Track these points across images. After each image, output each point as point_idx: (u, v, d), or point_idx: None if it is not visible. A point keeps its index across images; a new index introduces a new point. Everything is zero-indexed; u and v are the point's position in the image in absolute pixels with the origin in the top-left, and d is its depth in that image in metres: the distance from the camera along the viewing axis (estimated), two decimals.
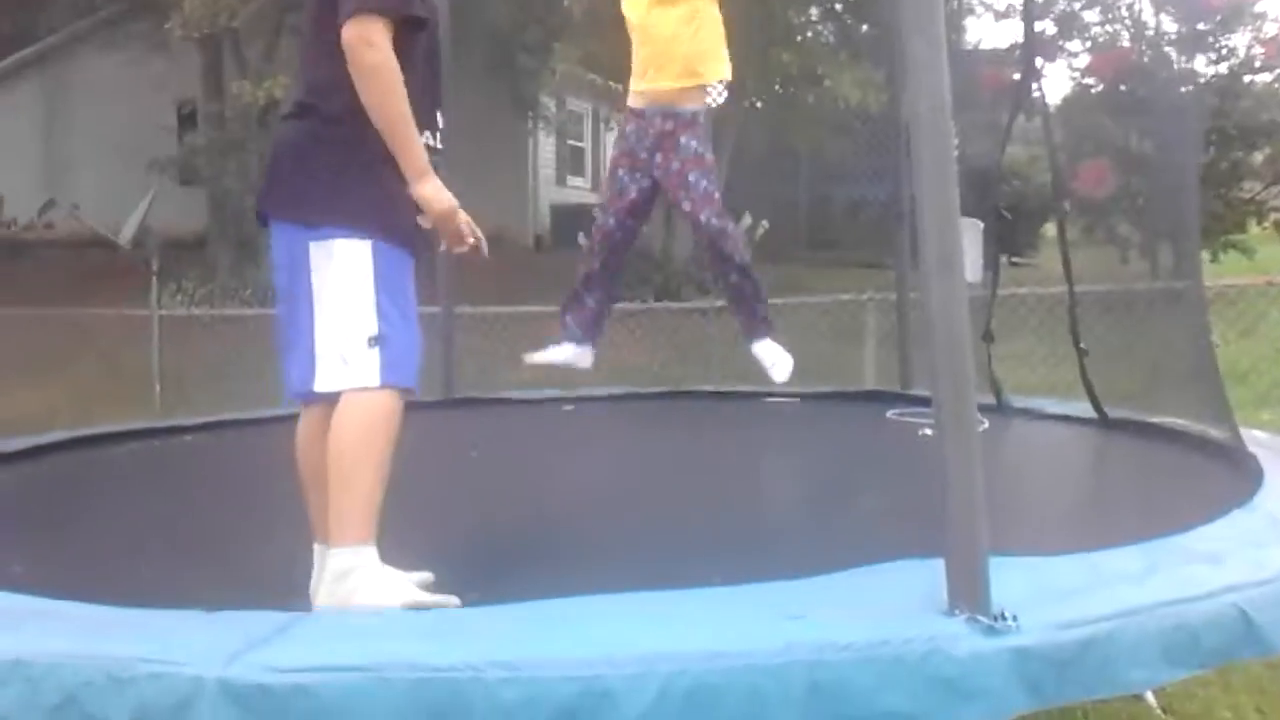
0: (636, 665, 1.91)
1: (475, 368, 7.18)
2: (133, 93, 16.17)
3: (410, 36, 2.50)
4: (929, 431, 4.30)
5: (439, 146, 2.64)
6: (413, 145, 2.46)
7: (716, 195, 4.46)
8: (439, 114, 2.67)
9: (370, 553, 2.39)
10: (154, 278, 9.51)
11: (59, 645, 2.04)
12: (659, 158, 4.43)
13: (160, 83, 15.75)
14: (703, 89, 4.47)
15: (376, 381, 2.43)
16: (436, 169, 2.57)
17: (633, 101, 4.52)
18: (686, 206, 4.39)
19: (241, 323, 9.68)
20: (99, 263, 12.85)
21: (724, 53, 4.51)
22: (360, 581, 2.36)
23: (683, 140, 4.40)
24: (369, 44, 2.39)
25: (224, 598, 2.25)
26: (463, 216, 2.62)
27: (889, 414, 5.17)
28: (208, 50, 14.50)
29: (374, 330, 2.43)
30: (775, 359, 4.55)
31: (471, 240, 2.67)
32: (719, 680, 1.91)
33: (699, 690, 1.90)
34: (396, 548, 2.50)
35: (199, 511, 3.76)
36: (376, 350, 2.43)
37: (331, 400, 2.47)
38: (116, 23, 15.68)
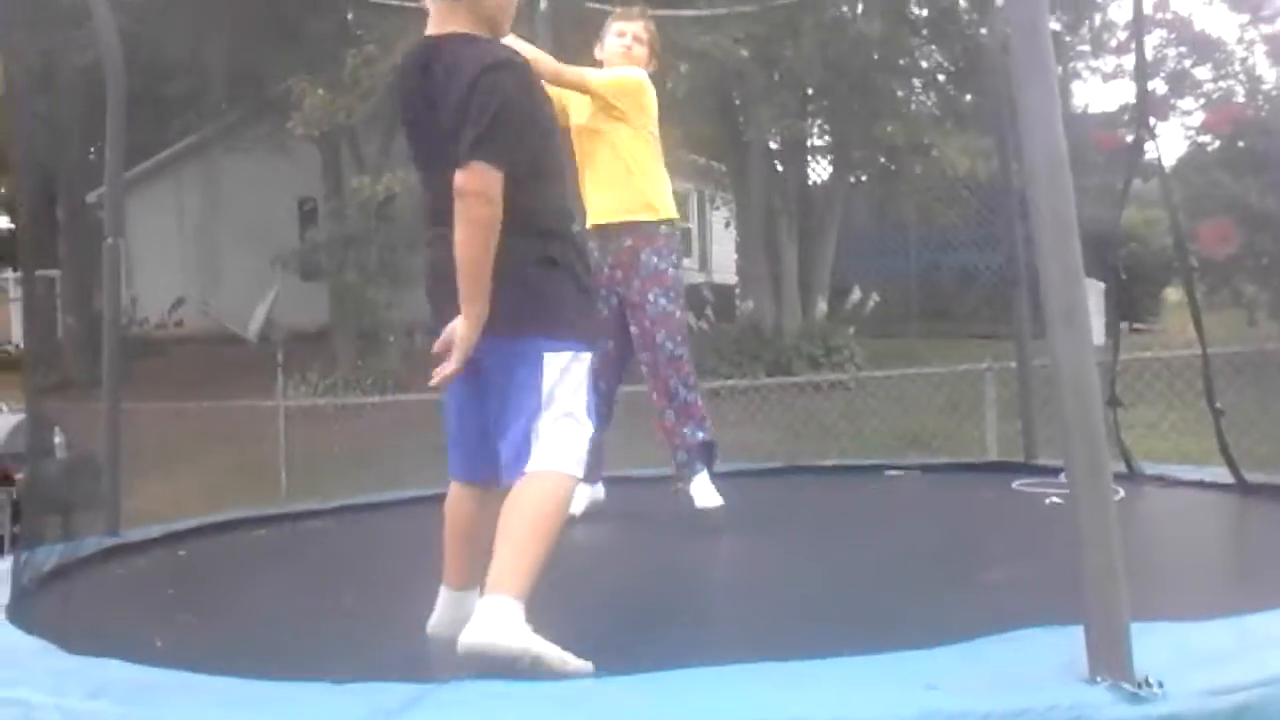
0: None
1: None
2: (257, 191, 16.88)
3: (543, 149, 2.69)
4: (1057, 499, 4.21)
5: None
6: (482, 294, 2.55)
7: (677, 315, 4.28)
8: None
9: (521, 608, 2.47)
10: (279, 370, 9.81)
11: (199, 716, 2.09)
12: (620, 274, 4.26)
13: (283, 181, 16.43)
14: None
15: (580, 472, 2.65)
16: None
17: (593, 217, 4.33)
18: (645, 324, 4.19)
19: (362, 411, 9.93)
20: (227, 357, 13.32)
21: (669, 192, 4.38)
22: (507, 627, 2.42)
23: (643, 256, 4.23)
24: (481, 197, 2.50)
25: (352, 672, 2.28)
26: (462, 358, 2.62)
27: (1014, 484, 5.02)
28: (327, 148, 15.06)
29: (591, 430, 2.69)
30: (707, 497, 4.22)
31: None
32: None
33: None
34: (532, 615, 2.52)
35: (326, 591, 3.82)
36: (586, 449, 2.67)
37: (500, 480, 2.66)
38: (240, 127, 16.40)
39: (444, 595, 2.85)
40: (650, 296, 4.19)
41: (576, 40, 9.78)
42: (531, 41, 6.28)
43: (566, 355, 2.64)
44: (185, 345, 15.67)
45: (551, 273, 2.65)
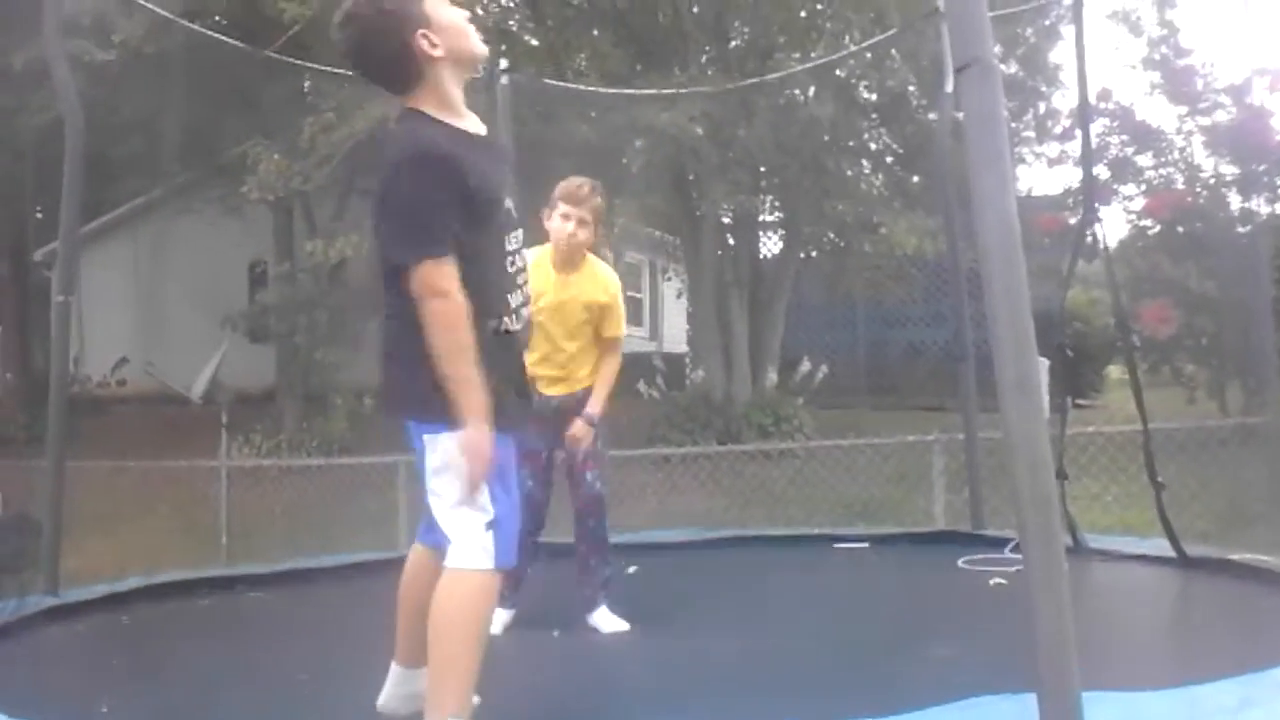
0: None
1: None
2: (208, 253, 16.77)
3: (471, 238, 2.58)
4: (1001, 581, 4.25)
5: (515, 328, 2.73)
6: (470, 382, 2.50)
7: (606, 456, 4.36)
8: (512, 295, 2.75)
9: None
10: (223, 430, 9.69)
11: None
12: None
13: (234, 243, 16.33)
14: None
15: (489, 565, 2.56)
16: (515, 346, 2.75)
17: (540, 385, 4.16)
18: (579, 458, 4.18)
19: (307, 473, 9.81)
20: (171, 418, 13.15)
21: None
22: None
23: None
24: (432, 294, 2.49)
25: None
26: (487, 456, 2.56)
27: (960, 562, 5.04)
28: (279, 212, 15.02)
29: (490, 516, 2.56)
30: (613, 625, 4.11)
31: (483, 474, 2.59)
32: None
33: None
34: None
35: (268, 660, 3.76)
36: (490, 534, 2.56)
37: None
38: (193, 188, 16.33)
39: (394, 671, 2.84)
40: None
41: (534, 114, 9.94)
42: (491, 112, 6.37)
43: (440, 437, 2.55)
44: (127, 404, 15.44)
45: (416, 357, 2.53)
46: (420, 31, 2.57)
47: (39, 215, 17.55)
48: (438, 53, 2.59)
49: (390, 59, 2.59)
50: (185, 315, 16.27)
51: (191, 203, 15.97)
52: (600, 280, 4.26)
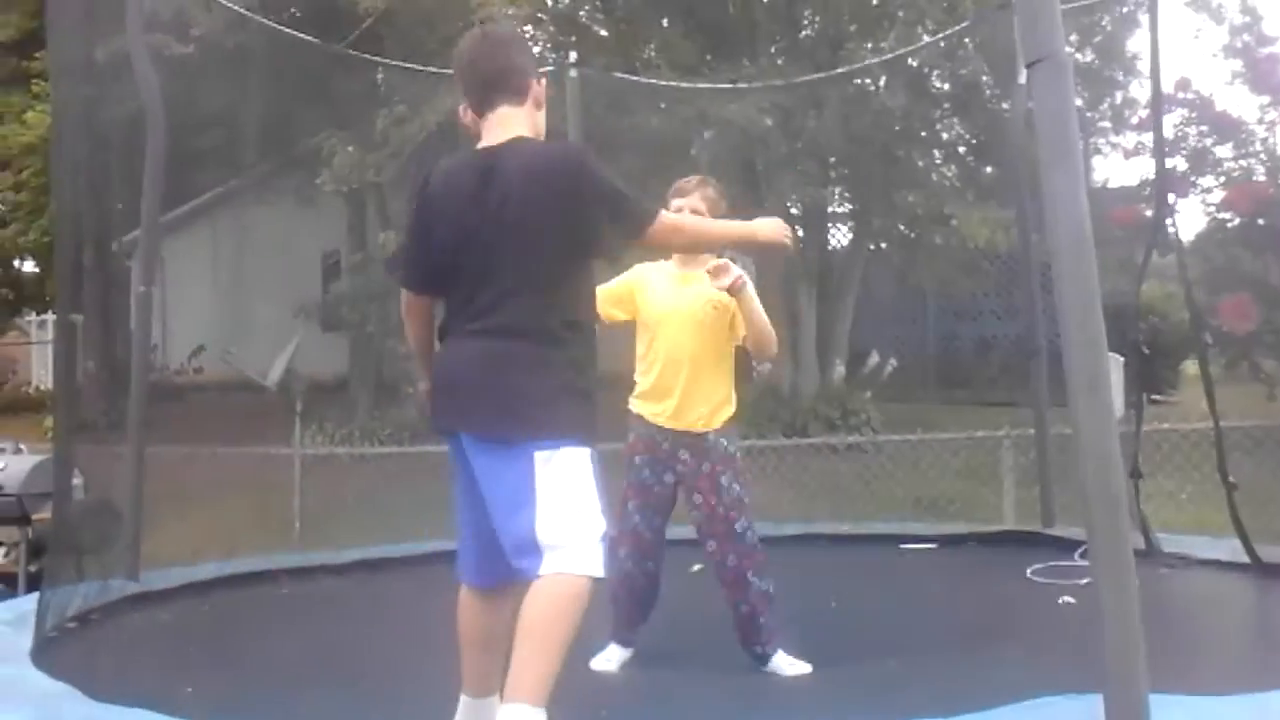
0: None
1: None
2: (282, 243, 17.03)
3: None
4: (1070, 600, 4.19)
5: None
6: (726, 229, 3.27)
7: (747, 500, 3.82)
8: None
9: (542, 715, 2.47)
10: (297, 418, 9.86)
11: None
12: (685, 455, 3.81)
13: (308, 234, 16.58)
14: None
15: (600, 573, 2.57)
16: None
17: (642, 425, 3.88)
18: (716, 509, 3.73)
19: (379, 461, 9.96)
20: (246, 405, 13.38)
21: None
22: None
23: (722, 480, 3.78)
24: (677, 230, 3.01)
25: None
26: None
27: (1029, 572, 4.94)
28: (353, 204, 15.23)
29: (605, 527, 2.61)
30: (795, 669, 3.61)
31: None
32: None
33: None
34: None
35: (343, 650, 3.84)
36: (603, 546, 2.60)
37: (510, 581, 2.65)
38: (269, 180, 16.59)
39: (464, 702, 2.85)
40: (723, 480, 3.78)
41: (603, 107, 9.96)
42: (561, 108, 6.40)
43: (559, 453, 2.58)
44: (204, 392, 15.74)
45: (545, 373, 2.63)
46: (541, 81, 2.89)
47: (120, 206, 17.95)
48: (542, 104, 2.89)
49: (519, 71, 2.84)
50: (260, 304, 16.55)
51: (267, 194, 16.23)
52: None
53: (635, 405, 3.89)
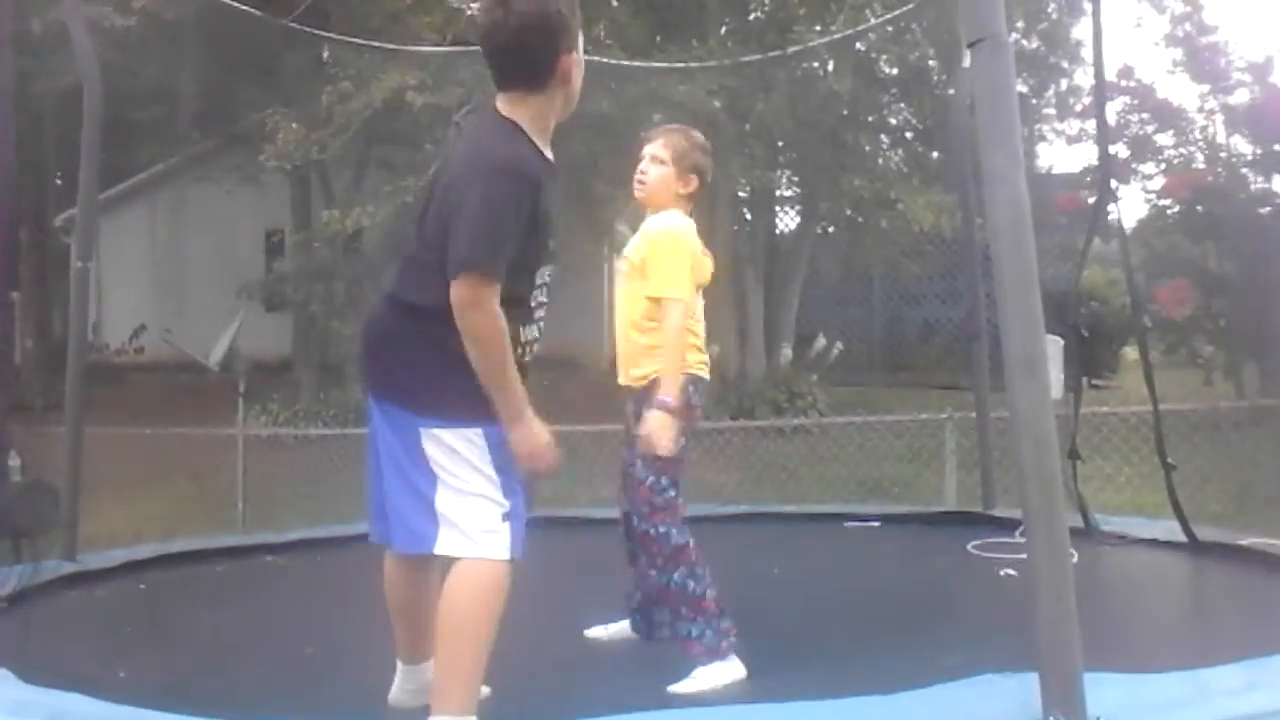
0: None
1: (547, 486, 7.21)
2: (224, 222, 16.82)
3: (514, 266, 2.55)
4: (1012, 572, 4.25)
5: (524, 359, 2.68)
6: (511, 393, 2.53)
7: (672, 498, 3.42)
8: (526, 328, 2.71)
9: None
10: (240, 399, 9.73)
11: None
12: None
13: (251, 212, 16.37)
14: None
15: (506, 556, 2.54)
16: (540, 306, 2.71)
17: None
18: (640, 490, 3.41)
19: (324, 442, 9.86)
20: (188, 385, 13.21)
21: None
22: None
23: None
24: (475, 307, 2.46)
25: (306, 712, 2.27)
26: (547, 448, 2.61)
27: (970, 546, 5.03)
28: (296, 181, 15.05)
29: (506, 507, 2.56)
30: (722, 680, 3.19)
31: (550, 465, 2.64)
32: None
33: None
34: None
35: (283, 629, 3.81)
36: (507, 525, 2.55)
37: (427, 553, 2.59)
38: (211, 156, 16.35)
39: (400, 669, 2.88)
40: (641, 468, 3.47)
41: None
42: None
43: (459, 432, 2.56)
44: (145, 372, 15.52)
45: (444, 353, 2.53)
46: (571, 51, 2.63)
47: (58, 181, 17.59)
48: (572, 78, 2.67)
49: (537, 58, 2.61)
50: (202, 284, 16.34)
51: (209, 171, 15.98)
52: (648, 230, 3.59)
53: (697, 367, 3.58)
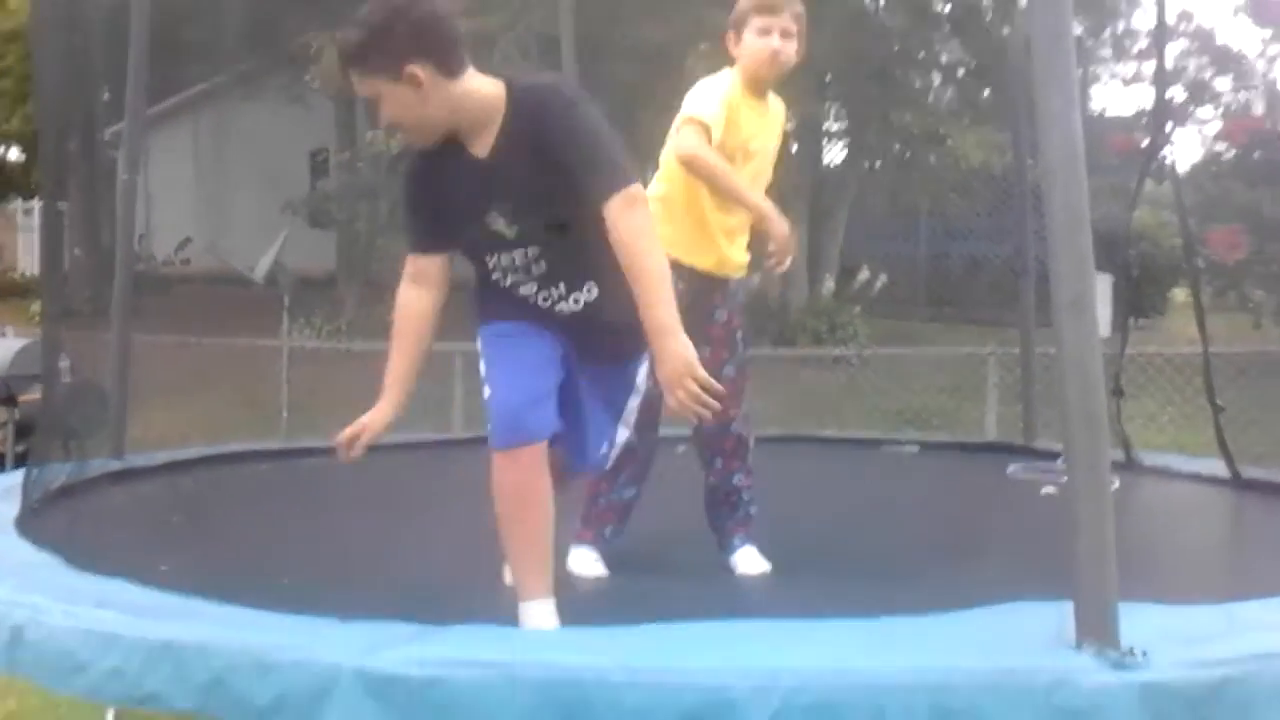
0: (759, 678, 1.92)
1: None
2: (270, 140, 16.87)
3: None
4: (1051, 490, 4.25)
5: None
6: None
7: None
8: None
9: (546, 602, 2.53)
10: (285, 312, 9.84)
11: (207, 633, 2.15)
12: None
13: (296, 131, 16.40)
14: None
15: (498, 445, 2.54)
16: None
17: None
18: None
19: (366, 357, 9.94)
20: (233, 298, 13.34)
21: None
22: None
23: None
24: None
25: (352, 607, 2.32)
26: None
27: (1010, 469, 5.06)
28: (341, 102, 15.06)
29: (498, 398, 2.58)
30: (757, 566, 3.42)
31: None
32: (841, 697, 1.92)
33: (820, 706, 1.91)
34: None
35: (328, 527, 3.88)
36: (497, 413, 2.57)
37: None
38: (257, 76, 16.36)
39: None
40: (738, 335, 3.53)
41: (597, 14, 9.79)
42: (558, 16, 6.22)
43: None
44: (192, 284, 15.68)
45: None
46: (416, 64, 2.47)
47: (107, 96, 17.68)
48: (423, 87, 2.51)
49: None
50: (248, 200, 16.44)
51: (256, 90, 16.00)
52: (781, 110, 3.47)
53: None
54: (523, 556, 2.57)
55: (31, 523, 3.25)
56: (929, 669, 2.00)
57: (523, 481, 2.52)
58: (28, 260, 20.83)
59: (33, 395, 6.85)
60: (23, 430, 7.37)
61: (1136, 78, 13.67)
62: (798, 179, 13.19)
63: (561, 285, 2.65)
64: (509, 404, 2.56)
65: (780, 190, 12.15)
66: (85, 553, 2.83)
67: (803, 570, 3.34)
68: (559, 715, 1.90)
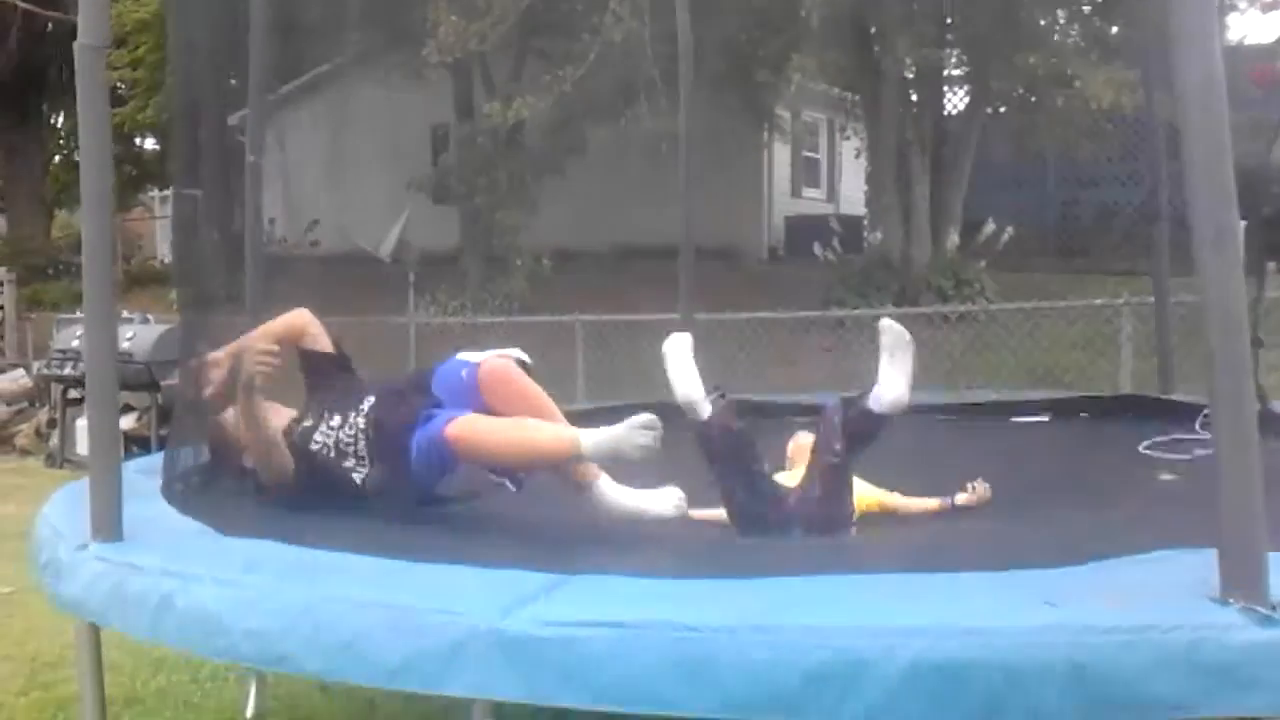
0: (889, 636, 1.91)
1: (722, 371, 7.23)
2: (391, 118, 17.18)
3: None
4: (1170, 476, 4.07)
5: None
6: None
7: None
8: None
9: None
10: (410, 289, 10.04)
11: (342, 592, 2.21)
12: None
13: (416, 108, 16.66)
14: None
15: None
16: None
17: None
18: None
19: (491, 330, 10.12)
20: (360, 276, 13.67)
21: None
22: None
23: None
24: None
25: (495, 558, 2.37)
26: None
27: (1142, 447, 4.82)
28: (459, 75, 15.23)
29: None
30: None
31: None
32: (974, 655, 1.89)
33: (952, 664, 1.88)
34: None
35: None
36: None
37: None
38: (376, 54, 16.64)
39: None
40: None
41: None
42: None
43: None
44: (319, 264, 16.11)
45: None
46: None
47: (233, 82, 18.17)
48: None
49: None
50: (372, 179, 16.82)
51: (374, 70, 16.29)
52: None
53: None
54: (538, 432, 2.98)
55: (177, 494, 3.38)
56: (1065, 625, 1.95)
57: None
58: (166, 248, 21.66)
59: (174, 380, 7.14)
60: (166, 414, 7.68)
61: (1277, 2, 13.00)
62: (917, 130, 12.92)
63: None
64: None
65: (904, 141, 11.93)
66: (233, 522, 2.92)
67: (929, 527, 3.30)
68: (684, 673, 1.91)
